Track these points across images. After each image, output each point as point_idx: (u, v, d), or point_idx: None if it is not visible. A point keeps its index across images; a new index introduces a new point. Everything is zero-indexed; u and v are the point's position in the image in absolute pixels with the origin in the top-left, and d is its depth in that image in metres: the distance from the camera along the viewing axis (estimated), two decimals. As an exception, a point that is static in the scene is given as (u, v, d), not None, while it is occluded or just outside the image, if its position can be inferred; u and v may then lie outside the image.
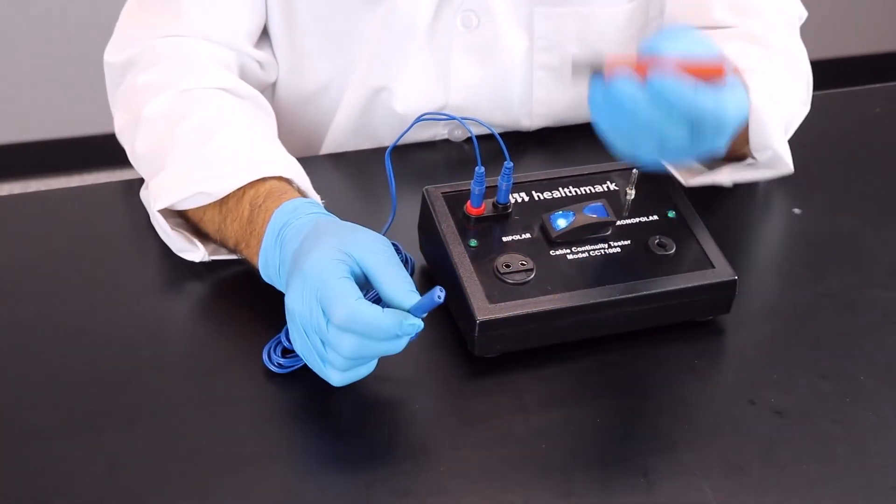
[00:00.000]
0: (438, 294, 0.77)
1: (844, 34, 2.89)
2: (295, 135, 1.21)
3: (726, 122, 0.78)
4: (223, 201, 0.93)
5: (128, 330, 0.93)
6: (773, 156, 1.02)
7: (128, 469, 0.80)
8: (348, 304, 0.77)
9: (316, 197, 0.95)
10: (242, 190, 0.92)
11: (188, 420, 0.84)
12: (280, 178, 0.93)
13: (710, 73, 0.76)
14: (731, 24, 1.12)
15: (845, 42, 2.91)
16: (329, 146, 1.22)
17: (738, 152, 1.04)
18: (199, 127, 0.97)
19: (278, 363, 0.87)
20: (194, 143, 0.96)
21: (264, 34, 1.15)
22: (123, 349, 0.90)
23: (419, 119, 0.91)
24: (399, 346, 0.80)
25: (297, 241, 0.84)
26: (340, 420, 0.84)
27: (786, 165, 1.03)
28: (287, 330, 0.87)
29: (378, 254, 0.81)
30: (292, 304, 0.81)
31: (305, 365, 0.85)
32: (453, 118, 0.90)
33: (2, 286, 0.97)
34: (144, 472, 0.79)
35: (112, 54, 1.07)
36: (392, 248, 0.83)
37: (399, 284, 0.80)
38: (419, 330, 0.78)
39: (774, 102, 1.02)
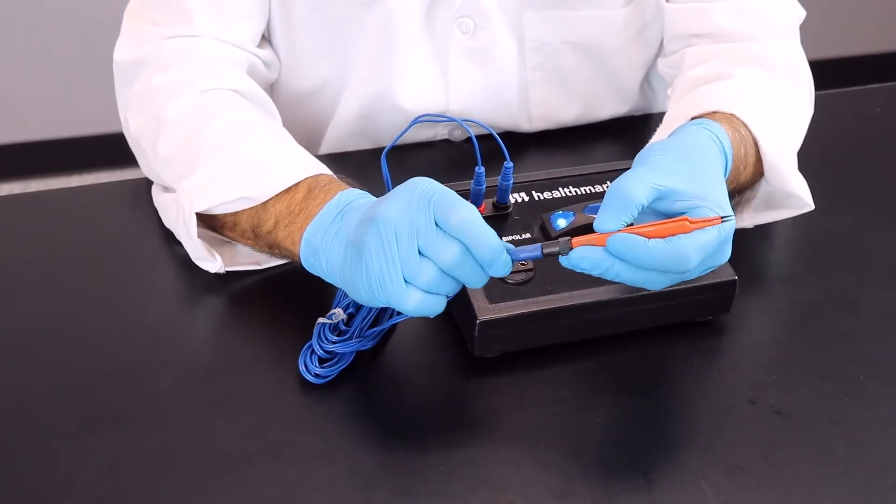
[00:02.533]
0: (543, 250, 0.79)
1: (844, 34, 2.89)
2: (293, 134, 1.21)
3: (689, 260, 0.80)
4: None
5: (128, 330, 0.93)
6: (793, 196, 1.01)
7: (128, 469, 0.80)
8: (466, 208, 0.78)
9: None
10: (290, 188, 0.91)
11: (188, 420, 0.84)
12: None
13: (665, 232, 0.80)
14: (731, 28, 1.11)
15: (845, 42, 2.91)
16: (328, 146, 1.22)
17: (745, 187, 1.03)
18: (226, 129, 0.97)
19: (316, 373, 0.85)
20: (224, 146, 0.95)
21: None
22: (123, 349, 0.90)
23: (416, 121, 0.91)
24: (484, 279, 0.80)
25: (363, 210, 0.82)
26: (340, 420, 0.84)
27: (807, 205, 1.02)
28: (318, 335, 0.86)
29: (470, 207, 0.80)
30: (388, 212, 0.78)
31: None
32: (452, 120, 0.90)
33: (2, 286, 0.98)
34: (144, 472, 0.79)
35: (121, 52, 1.06)
36: None
37: (493, 234, 0.79)
38: (506, 272, 0.79)
39: (787, 150, 1.01)
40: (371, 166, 1.13)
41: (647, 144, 0.90)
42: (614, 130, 1.24)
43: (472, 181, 0.89)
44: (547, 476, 0.80)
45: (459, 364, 0.88)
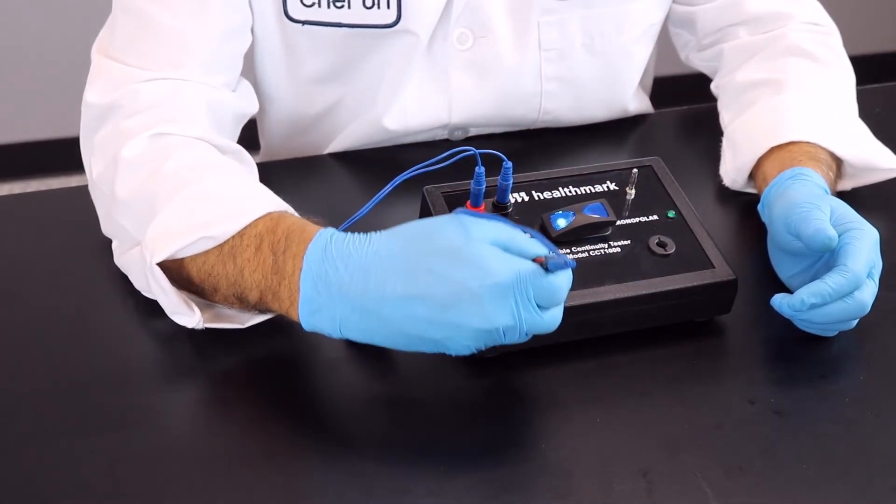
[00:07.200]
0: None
1: (844, 34, 2.88)
2: (296, 154, 1.22)
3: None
4: (232, 250, 0.86)
5: (128, 330, 0.93)
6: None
7: (128, 469, 0.80)
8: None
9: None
10: (250, 230, 0.85)
11: (188, 420, 0.84)
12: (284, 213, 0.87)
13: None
14: (763, 11, 1.18)
15: (845, 42, 2.91)
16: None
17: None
18: (184, 167, 0.91)
19: None
20: (181, 186, 0.89)
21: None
22: (123, 349, 0.90)
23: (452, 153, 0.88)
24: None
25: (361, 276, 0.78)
26: (340, 420, 0.84)
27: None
28: None
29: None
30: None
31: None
32: (475, 152, 0.88)
33: (2, 286, 0.98)
34: (144, 472, 0.79)
35: (94, 95, 0.99)
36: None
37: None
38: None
39: (866, 145, 1.08)
40: (377, 164, 1.13)
41: (728, 171, 1.08)
42: (614, 130, 1.24)
43: (472, 181, 0.89)
44: (547, 476, 0.80)
45: (459, 364, 0.88)
